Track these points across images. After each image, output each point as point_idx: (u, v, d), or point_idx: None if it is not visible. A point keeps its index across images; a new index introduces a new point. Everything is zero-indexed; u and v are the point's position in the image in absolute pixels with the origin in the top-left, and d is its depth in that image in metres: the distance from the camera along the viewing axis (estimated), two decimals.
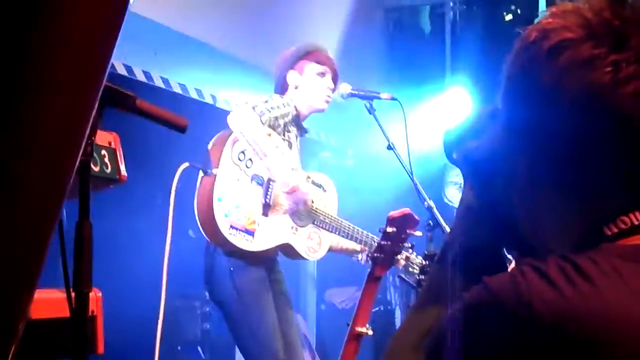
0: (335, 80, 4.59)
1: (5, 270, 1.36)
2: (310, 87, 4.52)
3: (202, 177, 4.13)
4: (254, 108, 4.14)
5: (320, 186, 4.57)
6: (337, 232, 4.40)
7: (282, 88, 4.56)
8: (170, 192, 3.80)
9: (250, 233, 4.19)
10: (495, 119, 1.30)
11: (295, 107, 4.45)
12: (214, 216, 4.08)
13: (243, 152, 4.20)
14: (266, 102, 4.23)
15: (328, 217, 4.44)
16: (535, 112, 1.19)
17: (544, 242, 1.20)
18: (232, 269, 4.18)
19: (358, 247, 4.45)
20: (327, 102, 4.58)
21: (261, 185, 4.26)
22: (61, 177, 1.40)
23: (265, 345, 4.15)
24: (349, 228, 4.41)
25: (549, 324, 1.06)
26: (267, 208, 4.30)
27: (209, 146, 4.23)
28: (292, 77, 4.53)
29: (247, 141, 4.13)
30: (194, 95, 6.38)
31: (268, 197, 4.30)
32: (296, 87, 4.52)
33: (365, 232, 4.41)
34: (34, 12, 1.29)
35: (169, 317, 6.36)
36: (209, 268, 4.21)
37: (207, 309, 6.36)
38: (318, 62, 4.56)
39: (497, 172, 1.27)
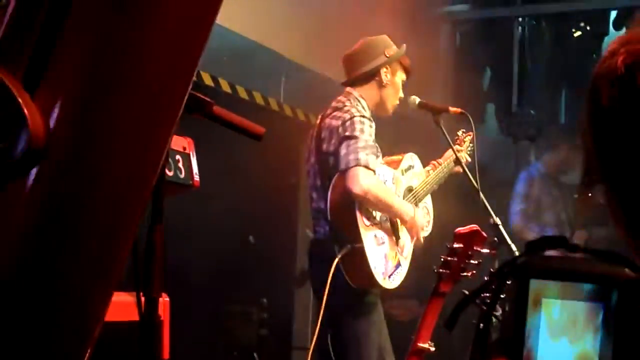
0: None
1: (86, 274, 1.35)
2: (394, 92, 4.50)
3: (347, 251, 4.15)
4: (367, 165, 4.14)
5: (410, 168, 4.63)
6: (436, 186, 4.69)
7: (367, 78, 4.47)
8: None
9: (398, 266, 4.38)
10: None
11: (367, 105, 4.41)
12: (376, 282, 4.21)
13: (367, 211, 4.23)
14: (366, 142, 4.19)
15: (425, 188, 4.62)
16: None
17: None
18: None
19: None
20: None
21: (386, 220, 4.35)
22: (144, 180, 1.39)
23: (365, 359, 4.25)
24: (437, 177, 4.68)
25: None
26: (398, 238, 4.43)
27: (332, 219, 4.24)
28: (386, 74, 4.49)
29: (372, 204, 4.18)
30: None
31: (397, 229, 4.43)
32: (384, 86, 4.47)
33: (443, 163, 4.72)
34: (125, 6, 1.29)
35: (226, 323, 6.40)
36: (332, 278, 4.16)
37: (265, 315, 6.36)
38: (405, 72, 4.55)
39: None
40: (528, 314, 0.92)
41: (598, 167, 1.21)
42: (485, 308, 1.04)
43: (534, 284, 0.92)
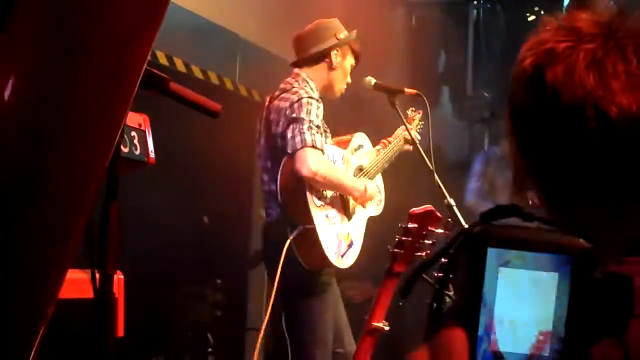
0: None
1: (38, 255, 1.34)
2: (343, 76, 4.52)
3: (299, 233, 4.14)
4: (313, 145, 4.13)
5: (359, 147, 4.63)
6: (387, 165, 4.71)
7: (317, 60, 4.50)
8: None
9: (351, 245, 4.39)
10: None
11: (315, 86, 4.42)
12: (330, 262, 4.21)
13: (318, 191, 4.23)
14: (310, 122, 4.18)
15: (375, 167, 4.63)
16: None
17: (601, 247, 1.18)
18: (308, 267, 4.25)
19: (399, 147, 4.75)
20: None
21: (338, 199, 4.36)
22: (99, 155, 1.38)
23: (321, 339, 4.25)
24: (387, 155, 4.69)
25: None
26: (350, 217, 4.44)
27: (283, 200, 4.23)
28: (337, 57, 4.50)
29: (322, 184, 4.18)
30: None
31: (348, 209, 4.43)
32: (333, 68, 4.48)
33: (393, 141, 4.75)
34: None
35: (180, 303, 6.38)
36: (285, 260, 4.14)
37: (219, 296, 6.35)
38: (356, 57, 4.57)
39: None
40: (484, 283, 0.92)
41: (525, 168, 1.25)
42: (437, 287, 1.03)
43: (492, 253, 0.93)
